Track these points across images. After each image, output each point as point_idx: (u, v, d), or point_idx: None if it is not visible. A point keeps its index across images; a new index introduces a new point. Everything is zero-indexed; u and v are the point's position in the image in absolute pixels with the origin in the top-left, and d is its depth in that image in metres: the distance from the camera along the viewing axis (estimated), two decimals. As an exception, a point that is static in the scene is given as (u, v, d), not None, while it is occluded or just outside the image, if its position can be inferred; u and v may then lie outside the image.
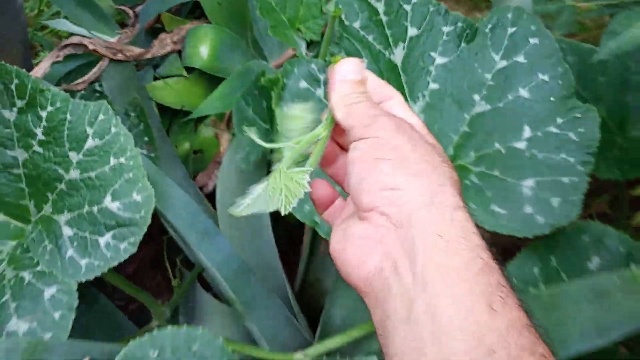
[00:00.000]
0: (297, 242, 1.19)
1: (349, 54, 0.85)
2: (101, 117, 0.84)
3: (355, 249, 0.47)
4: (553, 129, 0.83)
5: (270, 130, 0.99)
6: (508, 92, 0.86)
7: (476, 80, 0.87)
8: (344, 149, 0.57)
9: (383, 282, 0.44)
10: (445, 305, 0.39)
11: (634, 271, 0.72)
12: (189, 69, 1.34)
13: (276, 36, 0.91)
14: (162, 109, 1.32)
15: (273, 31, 0.92)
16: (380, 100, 0.54)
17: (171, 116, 1.36)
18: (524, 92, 0.85)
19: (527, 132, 0.84)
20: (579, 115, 0.83)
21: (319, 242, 1.12)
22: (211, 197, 1.13)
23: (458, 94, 0.88)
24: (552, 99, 0.84)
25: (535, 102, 0.85)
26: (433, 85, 0.88)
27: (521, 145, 0.84)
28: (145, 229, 0.79)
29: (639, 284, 0.71)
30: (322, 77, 0.84)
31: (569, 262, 0.82)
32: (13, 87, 0.85)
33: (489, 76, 0.87)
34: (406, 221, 0.44)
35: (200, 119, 1.32)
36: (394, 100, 0.55)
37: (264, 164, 1.05)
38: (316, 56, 0.99)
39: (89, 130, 0.84)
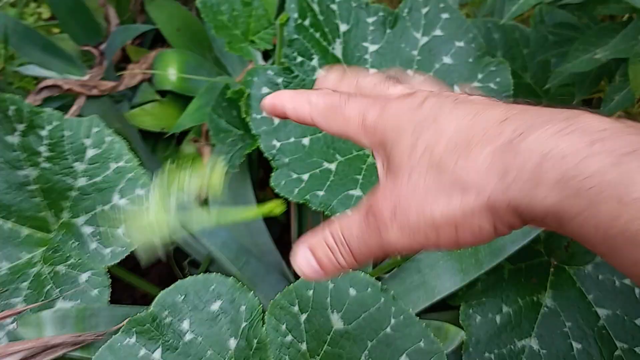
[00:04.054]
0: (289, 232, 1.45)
1: (301, 54, 1.11)
2: (95, 129, 1.11)
3: None
4: (477, 84, 1.13)
5: (244, 135, 1.24)
6: (434, 62, 1.15)
7: (406, 58, 1.15)
8: None
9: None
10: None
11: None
12: (162, 93, 1.60)
13: (232, 51, 1.15)
14: (145, 134, 1.56)
15: (229, 46, 1.15)
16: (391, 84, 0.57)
17: (154, 140, 1.61)
18: (447, 59, 1.14)
19: (457, 91, 1.14)
20: (493, 68, 1.13)
21: (304, 229, 1.38)
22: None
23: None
24: (470, 60, 1.14)
25: (458, 65, 1.14)
26: (372, 70, 1.15)
27: (455, 103, 1.14)
28: None
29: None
30: (279, 80, 1.10)
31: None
32: (11, 113, 1.10)
33: (415, 52, 1.15)
34: None
35: (182, 138, 1.58)
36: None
37: (246, 164, 1.35)
38: (272, 63, 1.25)
39: (87, 142, 1.11)
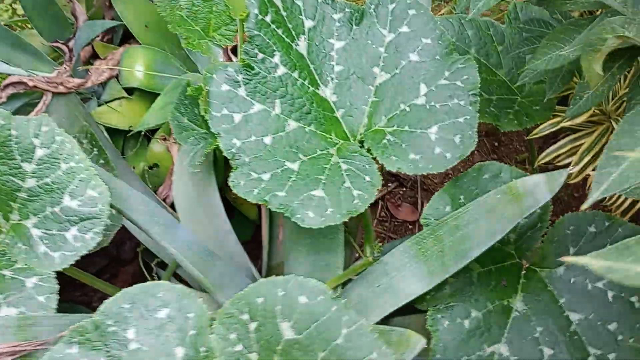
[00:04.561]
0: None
1: (262, 50, 1.07)
2: (44, 128, 1.06)
3: None
4: (443, 82, 1.09)
5: (206, 133, 1.19)
6: (401, 59, 1.11)
7: (373, 55, 1.12)
8: None
9: None
10: None
11: (509, 184, 1.01)
12: (130, 91, 1.56)
13: (190, 47, 1.12)
14: (114, 132, 1.53)
15: (187, 43, 1.13)
16: None
17: (124, 138, 1.57)
18: (414, 57, 1.11)
19: (423, 89, 1.09)
20: (461, 66, 1.09)
21: (276, 229, 1.37)
22: (174, 207, 1.36)
23: (360, 70, 1.12)
24: (437, 57, 1.10)
25: (424, 63, 1.10)
26: (337, 68, 1.12)
27: (421, 100, 1.09)
28: (105, 219, 1.01)
29: (513, 192, 1.00)
30: (240, 77, 1.07)
31: (474, 197, 1.08)
32: (-46, 112, 1.04)
33: (382, 49, 1.12)
34: None
35: (152, 135, 1.55)
36: None
37: (211, 164, 1.31)
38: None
39: (36, 142, 1.06)
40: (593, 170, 1.34)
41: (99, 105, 1.55)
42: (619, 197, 1.29)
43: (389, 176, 1.83)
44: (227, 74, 1.07)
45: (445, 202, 1.12)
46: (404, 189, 1.83)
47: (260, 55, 1.08)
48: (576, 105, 1.00)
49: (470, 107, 1.07)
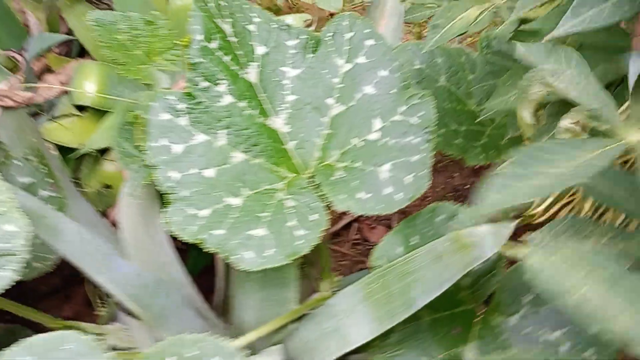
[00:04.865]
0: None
1: (207, 79, 1.02)
2: None
3: None
4: (398, 117, 1.04)
5: None
6: (356, 91, 1.06)
7: (328, 86, 1.07)
8: None
9: None
10: None
11: (456, 233, 0.96)
12: (82, 108, 1.50)
13: (129, 74, 1.08)
14: (68, 149, 1.47)
15: (124, 69, 1.08)
16: None
17: (80, 156, 1.54)
18: (369, 89, 1.06)
19: (378, 123, 1.05)
20: (417, 101, 1.04)
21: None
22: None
23: (315, 100, 1.07)
24: (393, 90, 1.05)
25: (380, 96, 1.05)
26: (291, 97, 1.07)
27: (375, 136, 1.04)
28: (26, 255, 0.92)
29: (459, 242, 0.95)
30: (182, 106, 1.01)
31: (428, 239, 1.02)
32: None
33: (337, 80, 1.07)
34: None
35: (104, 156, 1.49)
36: None
37: (153, 191, 1.25)
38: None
39: None
40: (560, 209, 1.29)
41: (49, 120, 1.50)
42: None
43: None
44: (167, 102, 1.01)
45: (398, 243, 1.07)
46: (379, 210, 1.79)
47: (205, 84, 1.02)
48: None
49: (424, 146, 1.02)
